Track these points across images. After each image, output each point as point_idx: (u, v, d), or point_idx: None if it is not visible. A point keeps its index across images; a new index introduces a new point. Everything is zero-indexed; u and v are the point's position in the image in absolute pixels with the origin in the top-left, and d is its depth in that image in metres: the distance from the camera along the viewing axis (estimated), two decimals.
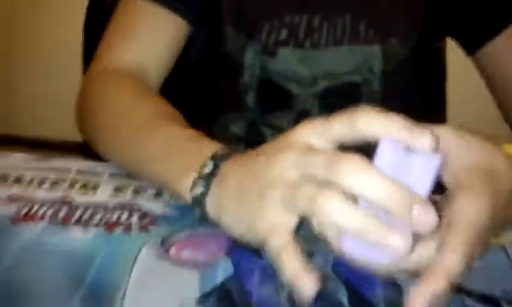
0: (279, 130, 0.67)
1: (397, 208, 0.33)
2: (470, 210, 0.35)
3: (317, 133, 0.37)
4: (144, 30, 0.64)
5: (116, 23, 0.65)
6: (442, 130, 0.37)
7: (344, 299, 0.39)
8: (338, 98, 0.65)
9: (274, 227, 0.36)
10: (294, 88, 0.66)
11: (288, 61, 0.65)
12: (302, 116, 0.66)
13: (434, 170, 0.35)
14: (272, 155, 0.38)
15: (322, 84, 0.65)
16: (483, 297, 0.39)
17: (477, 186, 0.36)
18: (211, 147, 0.45)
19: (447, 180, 0.38)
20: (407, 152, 0.34)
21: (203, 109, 0.73)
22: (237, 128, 0.70)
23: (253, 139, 0.68)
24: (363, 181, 0.33)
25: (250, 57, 0.66)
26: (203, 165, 0.43)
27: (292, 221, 0.36)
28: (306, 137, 0.38)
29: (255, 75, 0.67)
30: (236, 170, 0.41)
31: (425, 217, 0.32)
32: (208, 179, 0.42)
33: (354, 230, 0.33)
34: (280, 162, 0.37)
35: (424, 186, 0.35)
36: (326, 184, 0.34)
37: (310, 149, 0.37)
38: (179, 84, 0.71)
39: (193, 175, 0.43)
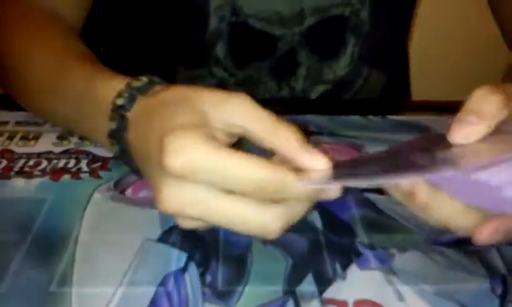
0: (254, 86, 0.60)
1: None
2: None
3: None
4: None
5: None
6: None
7: (318, 223, 0.37)
8: (324, 34, 0.58)
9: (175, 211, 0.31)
10: (276, 31, 0.56)
11: (269, 0, 0.55)
12: (286, 58, 0.59)
13: None
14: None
15: (309, 21, 0.57)
16: None
17: None
18: (109, 93, 0.37)
19: None
20: None
21: (163, 67, 0.61)
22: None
23: None
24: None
25: None
26: (110, 121, 0.36)
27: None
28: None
29: (224, 20, 0.55)
30: (136, 127, 0.35)
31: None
32: (118, 137, 0.36)
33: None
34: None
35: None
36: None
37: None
38: (132, 36, 0.63)
39: (105, 133, 0.37)
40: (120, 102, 0.35)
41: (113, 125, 0.36)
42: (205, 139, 0.29)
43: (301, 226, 0.36)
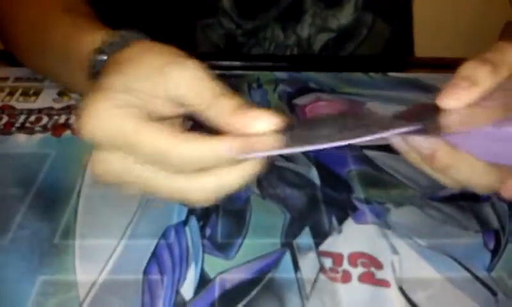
0: (261, 36, 0.61)
1: None
2: None
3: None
4: None
5: None
6: None
7: (316, 179, 0.37)
8: None
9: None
10: None
11: None
12: (291, 6, 0.58)
13: None
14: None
15: None
16: None
17: None
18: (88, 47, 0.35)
19: None
20: None
21: (180, 16, 0.61)
22: (215, 37, 0.61)
23: (231, 52, 0.60)
24: None
25: None
26: (88, 79, 0.34)
27: None
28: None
29: None
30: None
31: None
32: None
33: None
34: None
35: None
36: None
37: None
38: None
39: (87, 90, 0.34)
40: (95, 58, 0.34)
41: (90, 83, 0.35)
42: (119, 108, 0.26)
43: (299, 182, 0.37)
